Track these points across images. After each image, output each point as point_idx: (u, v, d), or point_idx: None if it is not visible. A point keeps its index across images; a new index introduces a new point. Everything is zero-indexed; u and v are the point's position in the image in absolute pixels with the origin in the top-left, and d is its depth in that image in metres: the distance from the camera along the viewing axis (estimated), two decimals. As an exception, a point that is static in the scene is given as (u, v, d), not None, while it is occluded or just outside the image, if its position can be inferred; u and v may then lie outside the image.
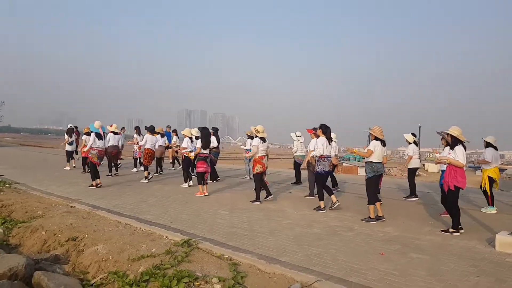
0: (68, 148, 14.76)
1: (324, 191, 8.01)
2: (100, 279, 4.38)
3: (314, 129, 9.30)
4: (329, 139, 8.04)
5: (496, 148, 8.18)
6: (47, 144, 45.93)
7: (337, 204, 7.88)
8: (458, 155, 6.01)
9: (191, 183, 10.83)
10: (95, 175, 10.17)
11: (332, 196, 7.97)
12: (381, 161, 7.09)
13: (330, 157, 8.04)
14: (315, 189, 8.77)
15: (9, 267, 4.30)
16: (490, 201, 8.06)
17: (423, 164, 46.93)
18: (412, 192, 9.46)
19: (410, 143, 9.49)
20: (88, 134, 11.47)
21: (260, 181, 8.70)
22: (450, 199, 6.22)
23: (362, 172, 30.30)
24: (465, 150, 6.10)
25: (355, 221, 6.88)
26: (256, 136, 8.89)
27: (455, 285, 3.94)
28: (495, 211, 7.96)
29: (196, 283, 3.86)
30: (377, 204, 7.01)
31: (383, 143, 7.08)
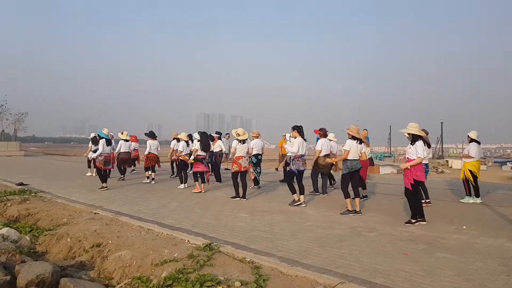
0: (92, 155, 15.00)
1: (289, 187, 8.39)
2: (125, 284, 4.43)
3: (321, 129, 9.61)
4: (303, 138, 8.46)
5: (479, 143, 8.51)
6: (70, 152, 47.00)
7: (297, 203, 8.18)
8: (418, 150, 6.35)
9: (186, 185, 11.36)
10: (102, 179, 11.06)
11: (295, 194, 8.27)
12: (357, 158, 7.42)
13: (304, 157, 8.38)
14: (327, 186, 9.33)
15: (37, 275, 4.40)
16: (468, 192, 8.55)
17: (447, 161, 45.84)
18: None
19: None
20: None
21: (235, 179, 9.12)
22: (409, 192, 6.53)
23: (384, 170, 29.89)
24: (425, 144, 6.53)
25: (377, 221, 6.77)
26: (236, 139, 9.17)
27: (484, 285, 3.82)
28: (472, 201, 8.44)
29: (219, 287, 3.87)
30: (356, 199, 7.44)
31: (360, 141, 7.45)
